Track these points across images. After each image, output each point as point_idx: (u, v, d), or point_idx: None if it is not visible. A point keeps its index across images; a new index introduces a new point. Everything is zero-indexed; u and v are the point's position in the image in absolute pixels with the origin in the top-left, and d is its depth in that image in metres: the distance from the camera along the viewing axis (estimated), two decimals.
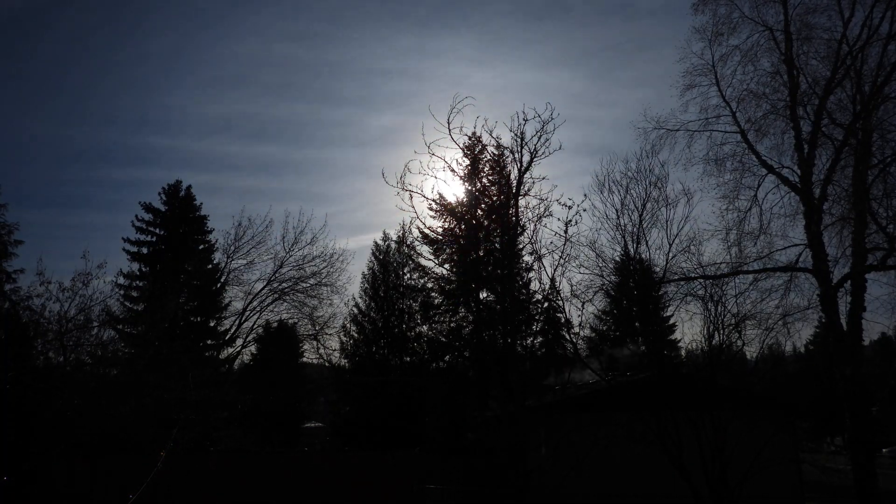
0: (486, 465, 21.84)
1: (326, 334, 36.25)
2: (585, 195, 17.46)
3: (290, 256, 35.39)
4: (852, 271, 21.24)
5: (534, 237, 18.44)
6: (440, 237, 31.18)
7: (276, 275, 35.45)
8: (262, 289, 35.63)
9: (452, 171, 18.95)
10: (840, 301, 21.19)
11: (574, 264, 18.32)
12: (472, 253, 28.40)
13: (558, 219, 17.37)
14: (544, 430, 20.68)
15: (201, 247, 36.79)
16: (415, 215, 28.76)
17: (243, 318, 35.82)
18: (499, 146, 19.31)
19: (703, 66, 24.22)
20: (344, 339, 36.09)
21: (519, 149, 17.92)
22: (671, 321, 33.63)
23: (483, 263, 28.68)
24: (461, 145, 19.90)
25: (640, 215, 17.29)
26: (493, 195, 22.74)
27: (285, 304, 36.32)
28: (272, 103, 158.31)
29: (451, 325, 31.86)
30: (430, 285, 33.09)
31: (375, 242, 37.68)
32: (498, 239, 24.23)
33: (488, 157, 22.50)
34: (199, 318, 35.52)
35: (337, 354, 36.92)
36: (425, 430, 28.40)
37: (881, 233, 21.80)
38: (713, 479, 14.61)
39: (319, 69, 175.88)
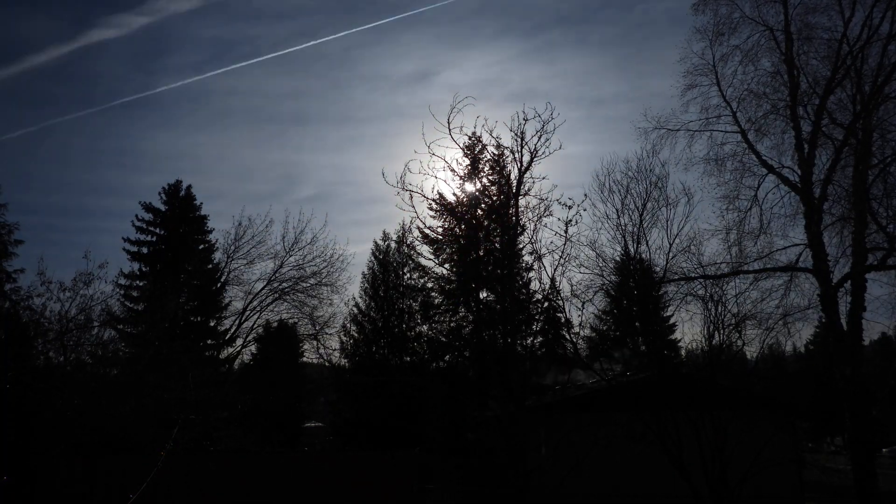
0: (486, 465, 21.83)
1: (326, 334, 36.26)
2: (586, 195, 17.47)
3: (291, 256, 35.44)
4: (852, 271, 21.24)
5: (534, 237, 18.44)
6: (440, 237, 31.17)
7: (277, 274, 35.49)
8: (263, 289, 35.67)
9: (452, 170, 19.03)
10: (840, 301, 21.22)
11: (574, 264, 18.23)
12: (472, 253, 28.35)
13: (558, 218, 17.33)
14: (544, 430, 20.69)
15: (201, 247, 36.78)
16: (415, 215, 28.74)
17: (243, 318, 35.86)
18: (499, 146, 19.33)
19: (703, 65, 24.31)
20: (344, 338, 36.12)
21: (519, 148, 17.97)
22: (671, 321, 33.55)
23: (483, 263, 28.61)
24: (461, 145, 19.90)
25: (641, 215, 17.31)
26: (494, 195, 22.69)
27: (285, 303, 36.34)
28: None
29: (451, 325, 31.83)
30: (430, 285, 33.09)
31: (375, 242, 37.73)
32: (498, 239, 24.15)
33: (488, 156, 22.44)
34: (199, 318, 35.51)
35: (337, 354, 36.93)
36: (425, 430, 28.32)
37: (881, 232, 21.82)
38: (713, 479, 14.59)
39: None
